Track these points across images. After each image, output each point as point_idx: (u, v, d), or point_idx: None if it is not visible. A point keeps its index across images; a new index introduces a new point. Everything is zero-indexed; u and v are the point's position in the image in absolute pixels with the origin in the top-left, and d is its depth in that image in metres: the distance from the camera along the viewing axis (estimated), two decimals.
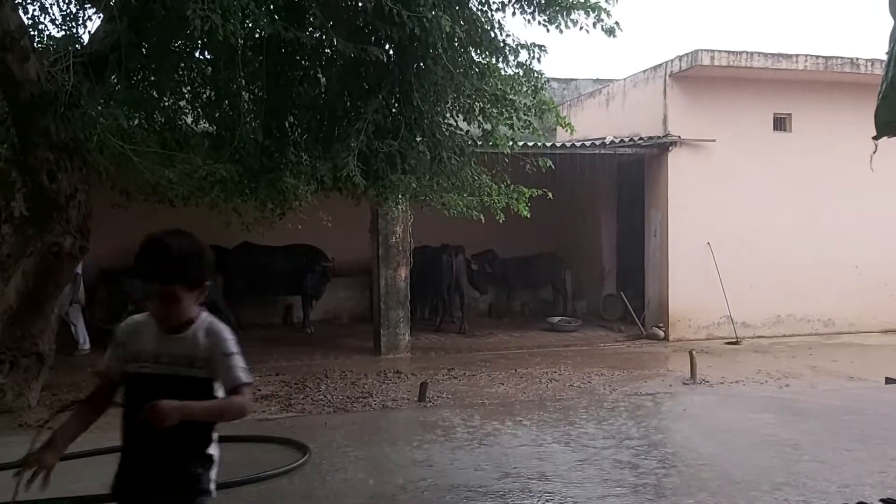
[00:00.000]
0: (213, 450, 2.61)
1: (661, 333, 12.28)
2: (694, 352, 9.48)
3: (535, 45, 6.60)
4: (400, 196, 7.65)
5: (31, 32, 6.00)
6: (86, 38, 6.37)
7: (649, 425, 6.68)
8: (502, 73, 6.80)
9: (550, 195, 8.88)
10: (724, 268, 12.10)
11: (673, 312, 12.31)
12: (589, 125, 14.09)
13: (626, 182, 14.02)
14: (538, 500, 4.75)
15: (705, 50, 11.61)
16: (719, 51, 11.68)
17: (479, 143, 7.10)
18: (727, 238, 12.22)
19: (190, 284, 2.50)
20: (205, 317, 2.59)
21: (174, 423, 2.35)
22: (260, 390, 8.50)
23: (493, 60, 6.63)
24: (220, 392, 2.54)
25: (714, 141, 12.20)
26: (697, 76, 12.09)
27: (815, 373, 9.63)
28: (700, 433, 6.41)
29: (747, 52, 11.79)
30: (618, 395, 8.27)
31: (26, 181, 5.93)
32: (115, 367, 2.58)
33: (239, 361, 2.55)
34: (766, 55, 11.87)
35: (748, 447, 5.94)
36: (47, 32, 6.66)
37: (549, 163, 8.29)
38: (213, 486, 2.59)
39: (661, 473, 5.27)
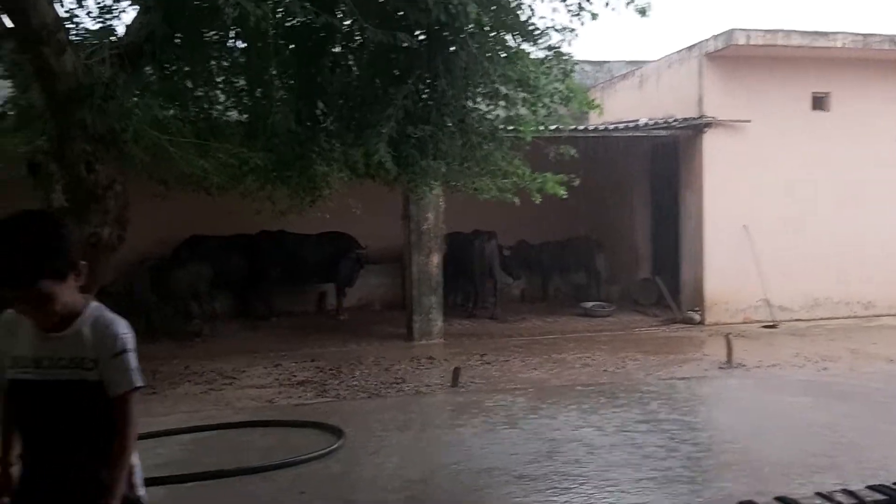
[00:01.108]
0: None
1: (697, 317, 12.15)
2: (730, 335, 9.38)
3: (566, 28, 6.53)
4: (432, 181, 7.65)
5: (68, 25, 6.09)
6: (121, 29, 6.45)
7: (684, 410, 6.65)
8: (531, 56, 6.73)
9: (577, 181, 8.78)
10: (760, 250, 11.92)
11: (709, 296, 12.16)
12: (622, 108, 13.93)
13: (661, 165, 13.85)
14: (572, 484, 4.76)
15: (741, 29, 11.38)
16: (755, 30, 11.45)
17: (502, 126, 7.05)
18: (764, 220, 12.02)
19: (56, 275, 2.09)
20: (93, 308, 2.21)
21: None
22: (296, 376, 8.63)
23: (523, 44, 6.57)
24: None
25: (750, 122, 12.00)
26: (733, 56, 11.87)
27: (854, 356, 9.47)
28: (736, 417, 6.37)
29: (784, 31, 11.55)
30: (652, 379, 8.23)
31: (64, 173, 6.05)
32: None
33: (129, 362, 2.18)
34: (803, 33, 11.61)
35: (785, 430, 5.89)
36: (83, 25, 6.76)
37: (573, 151, 8.18)
38: (142, 492, 2.32)
39: (697, 457, 5.25)
